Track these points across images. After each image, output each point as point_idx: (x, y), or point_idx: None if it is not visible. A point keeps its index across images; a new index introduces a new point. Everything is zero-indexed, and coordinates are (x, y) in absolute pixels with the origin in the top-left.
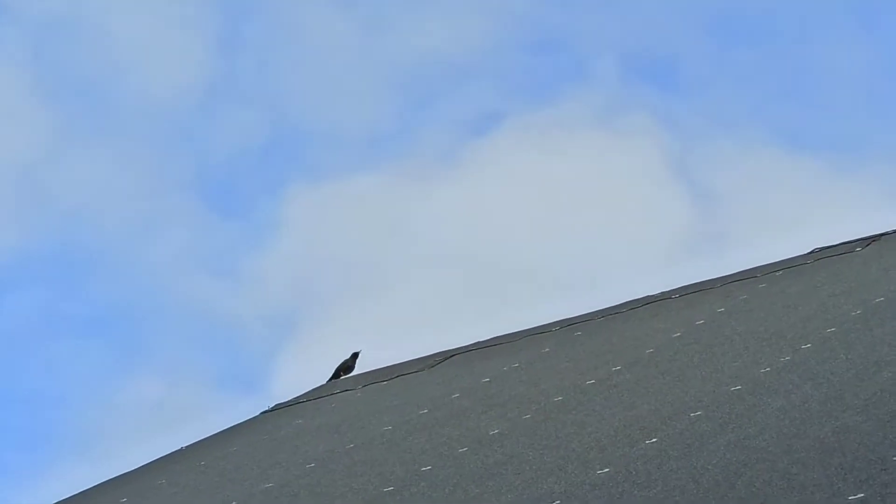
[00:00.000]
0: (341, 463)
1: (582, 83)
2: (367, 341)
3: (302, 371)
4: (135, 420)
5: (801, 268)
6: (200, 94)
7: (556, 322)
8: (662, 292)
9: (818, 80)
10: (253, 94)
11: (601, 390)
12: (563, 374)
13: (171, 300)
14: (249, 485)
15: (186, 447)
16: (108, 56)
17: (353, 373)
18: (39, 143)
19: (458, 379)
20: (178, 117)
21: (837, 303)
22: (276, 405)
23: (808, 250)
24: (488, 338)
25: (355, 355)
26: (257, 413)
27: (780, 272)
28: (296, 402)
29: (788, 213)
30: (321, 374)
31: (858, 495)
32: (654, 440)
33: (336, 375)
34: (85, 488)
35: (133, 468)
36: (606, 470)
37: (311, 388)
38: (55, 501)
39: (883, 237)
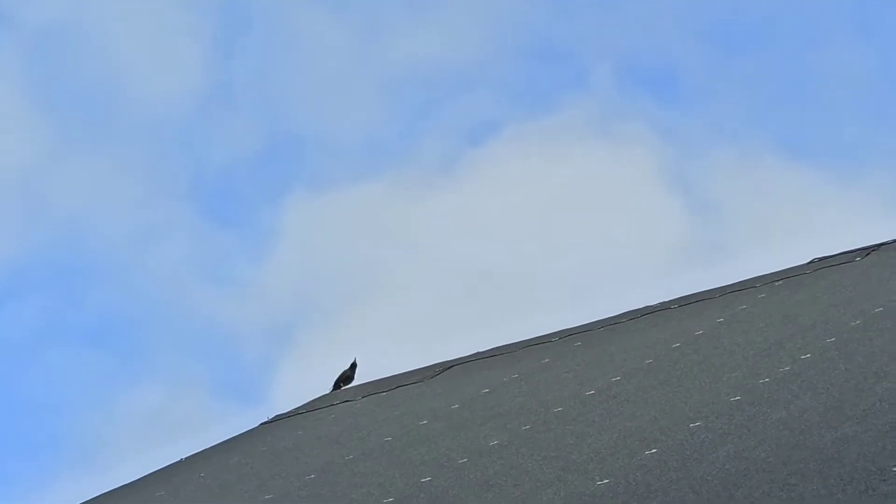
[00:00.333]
0: (341, 474)
1: (580, 92)
2: (366, 351)
3: (301, 381)
4: (134, 429)
5: (801, 278)
6: (199, 103)
7: (556, 332)
8: (662, 303)
9: (817, 89)
10: (251, 103)
11: (601, 401)
12: (562, 385)
13: (171, 309)
14: (249, 496)
15: (186, 458)
16: (107, 64)
17: (353, 383)
18: (37, 151)
19: (457, 390)
20: (176, 125)
21: (837, 313)
22: (275, 416)
23: (808, 260)
24: (488, 348)
25: (353, 365)
26: (257, 424)
27: (780, 282)
28: (296, 412)
29: (787, 222)
30: (320, 385)
31: None
32: (654, 451)
33: (336, 386)
34: (86, 499)
35: (133, 479)
36: (606, 481)
37: (310, 399)
38: None
39: (882, 247)
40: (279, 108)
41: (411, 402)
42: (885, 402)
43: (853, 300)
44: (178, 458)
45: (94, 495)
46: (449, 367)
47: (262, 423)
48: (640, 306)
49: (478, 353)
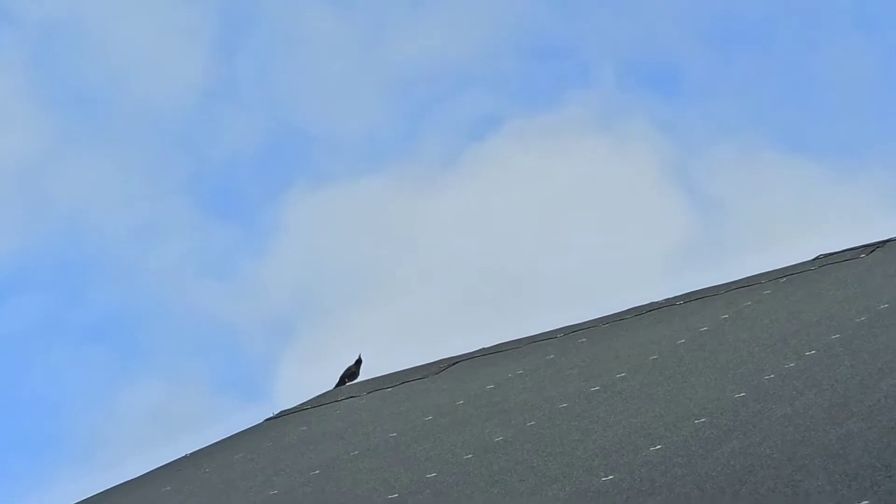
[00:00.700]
0: (346, 470)
1: (582, 89)
2: (370, 347)
3: (303, 377)
4: (135, 426)
5: (806, 274)
6: (200, 99)
7: (561, 329)
8: (666, 299)
9: (818, 86)
10: (252, 99)
11: (605, 397)
12: (567, 381)
13: (172, 305)
14: (254, 492)
15: (191, 454)
16: (109, 61)
17: (358, 379)
18: (39, 148)
19: (462, 386)
20: (177, 122)
21: (842, 309)
22: (280, 412)
23: (813, 257)
24: (492, 344)
25: (358, 361)
26: (261, 420)
27: (784, 279)
28: (300, 409)
29: (789, 219)
30: (323, 380)
31: (863, 502)
32: (659, 447)
33: (341, 382)
34: (89, 495)
35: (138, 475)
36: (611, 477)
37: (315, 395)
38: None
39: (887, 243)
40: (281, 105)
41: (416, 397)
42: (889, 398)
43: (858, 297)
44: (183, 454)
45: (98, 491)
46: (453, 364)
47: (266, 419)
48: (645, 303)
49: (482, 349)
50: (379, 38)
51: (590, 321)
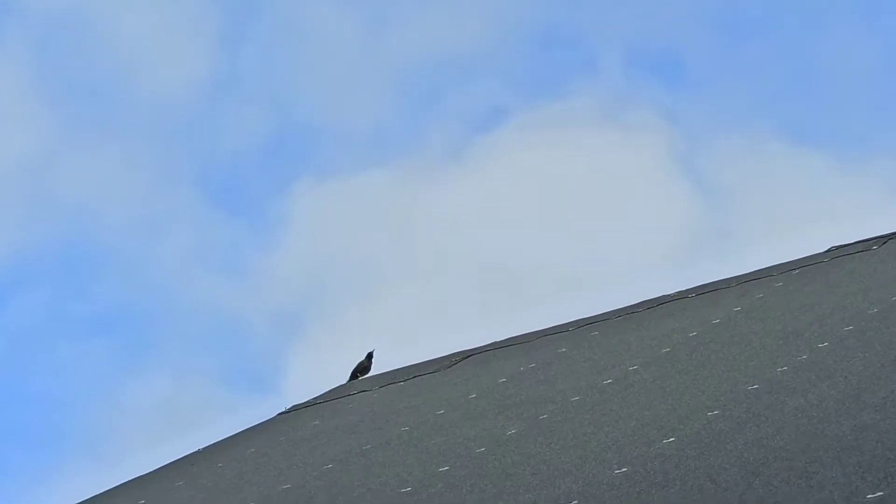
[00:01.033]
0: (359, 464)
1: (588, 79)
2: (379, 341)
3: (312, 370)
4: (143, 421)
5: (818, 266)
6: (205, 92)
7: (573, 322)
8: (678, 292)
9: (824, 76)
10: (258, 92)
11: (618, 390)
12: (579, 374)
13: (178, 299)
14: (267, 486)
15: (203, 449)
16: (113, 54)
17: (370, 373)
18: (44, 142)
19: (474, 379)
20: (182, 115)
21: (854, 301)
22: (293, 406)
23: (825, 249)
24: (504, 338)
25: (370, 355)
26: (272, 414)
27: (797, 271)
28: (313, 402)
29: (797, 209)
30: (332, 373)
31: (877, 494)
32: (672, 439)
33: (353, 376)
34: (100, 490)
35: (149, 470)
36: (624, 469)
37: (327, 389)
38: (74, 503)
39: None
40: (286, 98)
41: (428, 391)
42: None
43: (871, 288)
44: (196, 449)
45: (110, 487)
46: (466, 357)
47: (279, 414)
48: (657, 295)
49: (494, 342)
50: (383, 30)
51: (602, 314)
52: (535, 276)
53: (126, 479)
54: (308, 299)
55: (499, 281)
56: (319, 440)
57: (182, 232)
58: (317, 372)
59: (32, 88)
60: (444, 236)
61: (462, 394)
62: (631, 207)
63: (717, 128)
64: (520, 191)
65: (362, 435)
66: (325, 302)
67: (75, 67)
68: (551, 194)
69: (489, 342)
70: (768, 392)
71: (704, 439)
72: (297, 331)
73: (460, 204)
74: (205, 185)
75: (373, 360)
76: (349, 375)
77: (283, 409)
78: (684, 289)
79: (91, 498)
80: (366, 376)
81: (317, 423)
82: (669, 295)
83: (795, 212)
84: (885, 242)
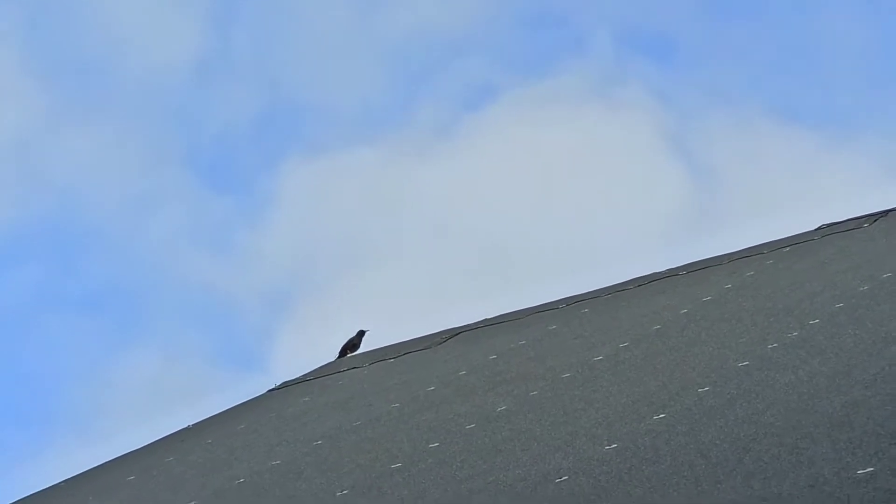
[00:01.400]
0: (349, 440)
1: (577, 57)
2: (369, 318)
3: (301, 348)
4: (132, 397)
5: (809, 244)
6: (195, 70)
7: (563, 299)
8: (669, 269)
9: (813, 55)
10: (247, 70)
11: (609, 366)
12: (570, 351)
13: (168, 277)
14: (257, 462)
15: (193, 425)
16: (103, 32)
17: (359, 351)
18: (34, 120)
19: (464, 356)
20: (172, 93)
21: (845, 279)
22: (282, 383)
23: (815, 227)
24: (494, 315)
25: (361, 333)
26: (262, 391)
27: (788, 248)
28: (303, 379)
29: (786, 187)
30: (321, 351)
31: (868, 469)
32: (663, 415)
33: (342, 353)
34: (90, 466)
35: (139, 446)
36: (614, 445)
37: (317, 367)
38: (64, 478)
39: (890, 213)
40: (276, 76)
41: (419, 368)
42: (893, 366)
43: (861, 266)
44: (186, 425)
45: (100, 462)
46: (456, 334)
47: (269, 390)
48: (647, 273)
49: (485, 319)
50: (374, 7)
51: (592, 292)
52: (526, 254)
53: (116, 456)
54: (297, 277)
55: (489, 258)
56: (309, 416)
57: (171, 210)
58: (306, 349)
59: (22, 66)
60: (434, 214)
61: (452, 370)
62: (621, 186)
63: (707, 107)
64: (509, 169)
65: (352, 411)
66: (313, 280)
67: (65, 46)
68: (541, 172)
69: (480, 319)
70: (759, 369)
71: (695, 415)
72: (285, 308)
73: (450, 182)
74: (194, 162)
75: (363, 337)
76: (338, 352)
77: (273, 386)
78: (675, 266)
79: (81, 473)
80: (354, 354)
81: (307, 399)
82: (660, 272)
83: (784, 190)
84: (875, 220)
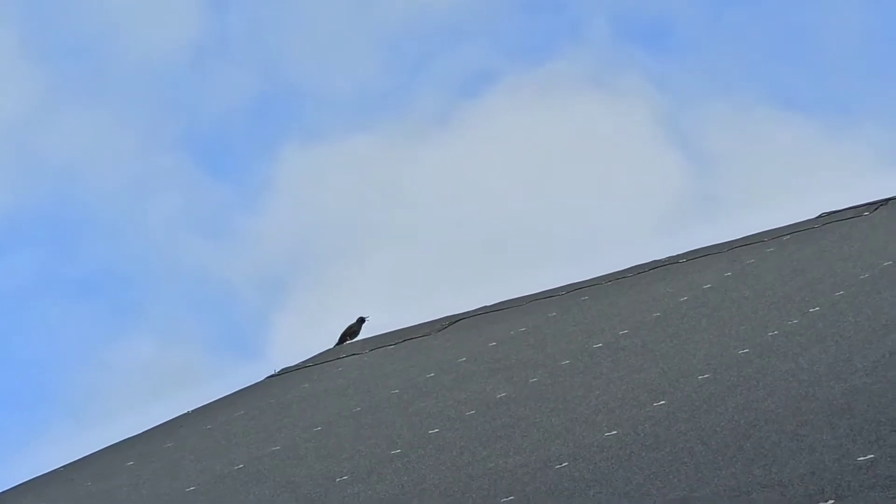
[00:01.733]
0: (348, 426)
1: (575, 43)
2: (366, 305)
3: (298, 334)
4: (129, 382)
5: (809, 232)
6: (192, 54)
7: (563, 287)
8: (669, 257)
9: (811, 42)
10: (246, 55)
11: (608, 353)
12: (569, 338)
13: (164, 261)
14: (257, 448)
15: (193, 411)
16: (100, 16)
17: (359, 338)
18: (31, 103)
19: (464, 343)
20: (170, 77)
21: (845, 266)
22: (282, 369)
23: (816, 215)
24: (494, 302)
25: (361, 320)
26: (260, 377)
27: (788, 236)
28: (303, 366)
29: (783, 174)
30: (318, 337)
31: (868, 456)
32: (663, 402)
33: (342, 340)
34: (89, 452)
35: (139, 432)
36: (615, 432)
37: (315, 353)
38: (63, 464)
39: (890, 201)
40: (274, 60)
41: (418, 355)
42: (894, 354)
43: (862, 254)
44: (185, 411)
45: (100, 448)
46: (455, 321)
47: (268, 377)
48: (647, 261)
49: (484, 307)
50: None
51: (592, 279)
52: (525, 241)
53: (114, 441)
54: (294, 263)
55: (489, 246)
56: (309, 403)
57: (169, 194)
58: (303, 335)
59: (20, 48)
60: (433, 200)
61: (452, 357)
62: (619, 172)
63: (705, 93)
64: (508, 156)
65: (352, 398)
66: (311, 266)
67: (63, 29)
68: (539, 159)
69: (479, 306)
70: (759, 356)
71: (695, 402)
72: (283, 294)
73: (449, 168)
74: (192, 147)
75: (364, 324)
76: (338, 338)
77: (273, 372)
78: (675, 254)
79: (81, 458)
80: (353, 341)
81: (306, 385)
82: (660, 260)
83: (782, 177)
84: (876, 209)
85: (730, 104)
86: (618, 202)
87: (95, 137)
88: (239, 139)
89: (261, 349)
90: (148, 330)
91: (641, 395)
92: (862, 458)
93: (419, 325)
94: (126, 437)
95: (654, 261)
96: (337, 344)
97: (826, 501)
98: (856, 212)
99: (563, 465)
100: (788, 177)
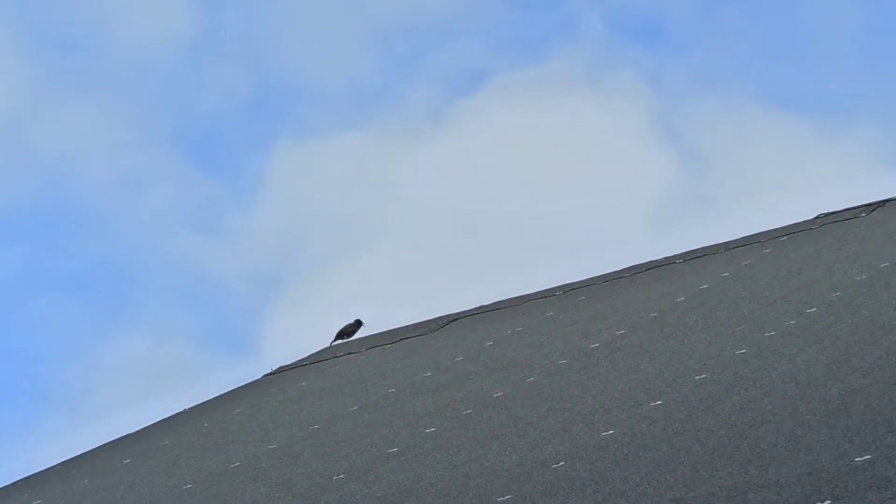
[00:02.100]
0: (345, 425)
1: (569, 41)
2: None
3: (291, 331)
4: (122, 377)
5: (806, 233)
6: (186, 49)
7: (560, 286)
8: (666, 257)
9: (805, 40)
10: (238, 50)
11: (605, 353)
12: (566, 338)
13: (156, 257)
14: (253, 446)
15: (189, 409)
16: (92, 10)
17: (356, 336)
18: (22, 97)
19: (461, 342)
20: (163, 72)
21: (842, 267)
22: (279, 368)
23: (813, 216)
24: (491, 302)
25: (359, 323)
26: (256, 375)
27: (785, 237)
28: (299, 364)
29: (776, 174)
30: (311, 334)
31: (865, 457)
32: (659, 402)
33: (338, 337)
34: (86, 448)
35: (135, 429)
36: (611, 431)
37: (310, 352)
38: (59, 461)
39: (888, 203)
40: (267, 56)
41: (415, 354)
42: (891, 355)
43: (859, 255)
44: (181, 409)
45: (94, 445)
46: (452, 321)
47: (265, 375)
48: (644, 261)
49: (481, 306)
50: None
51: (589, 279)
52: (522, 240)
53: (110, 439)
54: (287, 260)
55: (485, 244)
56: (306, 401)
57: (160, 190)
58: (297, 333)
59: (10, 42)
60: (427, 198)
61: (449, 356)
62: (613, 171)
63: (699, 92)
64: (502, 153)
65: (349, 396)
66: (304, 263)
67: (55, 23)
68: (534, 157)
69: (476, 306)
70: (756, 356)
71: (692, 402)
72: (275, 291)
73: (443, 166)
74: (183, 142)
75: (361, 326)
76: (333, 337)
77: (270, 370)
78: (672, 254)
79: (77, 456)
80: (349, 339)
81: (303, 384)
82: (657, 260)
83: (777, 177)
84: (873, 210)
85: (724, 102)
86: (612, 200)
87: (87, 132)
88: (232, 135)
89: (254, 346)
90: (141, 325)
91: (638, 394)
92: (859, 459)
93: (416, 323)
94: (122, 434)
95: (651, 261)
96: (333, 341)
97: (823, 502)
98: (853, 213)
99: (560, 464)
100: (783, 176)
